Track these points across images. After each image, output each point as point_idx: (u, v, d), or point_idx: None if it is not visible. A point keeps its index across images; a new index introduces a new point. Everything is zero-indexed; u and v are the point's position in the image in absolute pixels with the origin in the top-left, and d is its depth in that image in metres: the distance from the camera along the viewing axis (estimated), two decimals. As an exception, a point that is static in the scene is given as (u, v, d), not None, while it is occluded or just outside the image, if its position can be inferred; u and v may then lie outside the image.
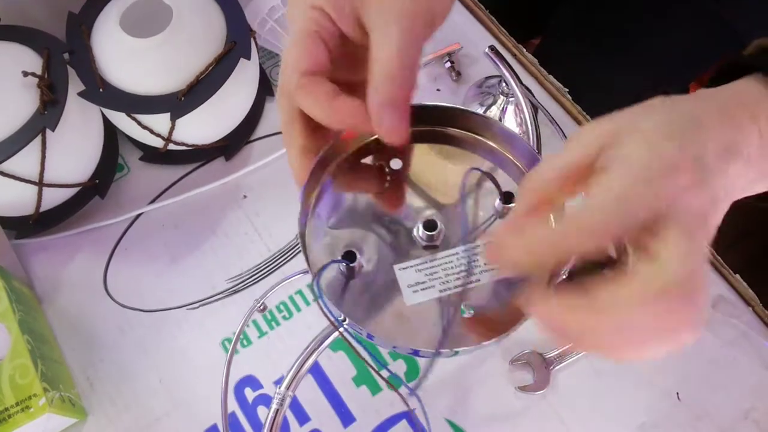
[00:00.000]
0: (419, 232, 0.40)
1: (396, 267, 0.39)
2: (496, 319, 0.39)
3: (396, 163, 0.43)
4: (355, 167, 0.43)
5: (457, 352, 0.38)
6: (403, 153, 0.43)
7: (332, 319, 0.36)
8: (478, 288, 0.39)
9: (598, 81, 0.68)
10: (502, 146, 0.40)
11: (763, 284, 0.55)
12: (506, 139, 0.39)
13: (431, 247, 0.40)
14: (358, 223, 0.41)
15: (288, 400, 0.42)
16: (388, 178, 0.43)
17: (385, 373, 0.49)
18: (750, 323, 0.52)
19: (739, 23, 0.64)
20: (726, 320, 0.52)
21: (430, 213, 0.41)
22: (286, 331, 0.53)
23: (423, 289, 0.39)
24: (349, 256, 0.39)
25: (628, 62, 0.68)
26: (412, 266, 0.40)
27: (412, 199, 0.42)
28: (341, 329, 0.38)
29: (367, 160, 0.43)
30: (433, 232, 0.40)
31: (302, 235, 0.41)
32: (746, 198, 0.33)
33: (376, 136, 0.43)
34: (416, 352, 0.39)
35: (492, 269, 0.39)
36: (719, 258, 0.54)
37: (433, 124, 0.43)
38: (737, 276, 0.53)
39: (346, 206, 0.42)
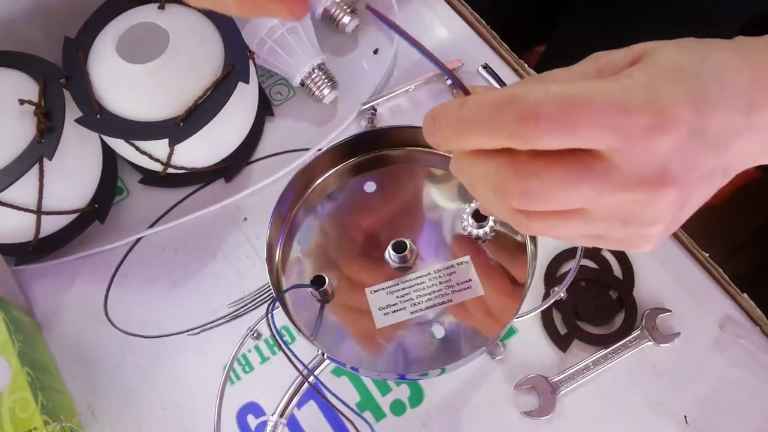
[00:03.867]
0: (390, 254, 0.40)
1: (367, 290, 0.39)
2: (473, 335, 0.39)
3: (369, 186, 0.43)
4: (328, 192, 0.43)
5: (444, 370, 0.38)
6: (376, 176, 0.43)
7: (300, 368, 0.36)
8: (452, 307, 0.39)
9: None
10: None
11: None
12: None
13: (404, 268, 0.40)
14: (331, 248, 0.41)
15: (281, 428, 0.41)
16: (361, 201, 0.43)
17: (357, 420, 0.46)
18: (757, 343, 0.51)
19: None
20: (733, 340, 0.51)
21: (402, 234, 0.40)
22: (288, 356, 0.53)
23: (394, 312, 0.39)
24: (318, 281, 0.38)
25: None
26: (383, 289, 0.39)
27: (385, 222, 0.42)
28: (311, 377, 0.38)
29: (340, 184, 0.43)
30: (403, 254, 0.39)
31: (270, 262, 0.40)
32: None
33: (349, 161, 0.43)
34: (403, 377, 0.38)
35: (465, 288, 0.39)
36: (725, 276, 0.53)
37: (404, 145, 0.43)
38: (744, 295, 0.52)
39: (318, 231, 0.42)
